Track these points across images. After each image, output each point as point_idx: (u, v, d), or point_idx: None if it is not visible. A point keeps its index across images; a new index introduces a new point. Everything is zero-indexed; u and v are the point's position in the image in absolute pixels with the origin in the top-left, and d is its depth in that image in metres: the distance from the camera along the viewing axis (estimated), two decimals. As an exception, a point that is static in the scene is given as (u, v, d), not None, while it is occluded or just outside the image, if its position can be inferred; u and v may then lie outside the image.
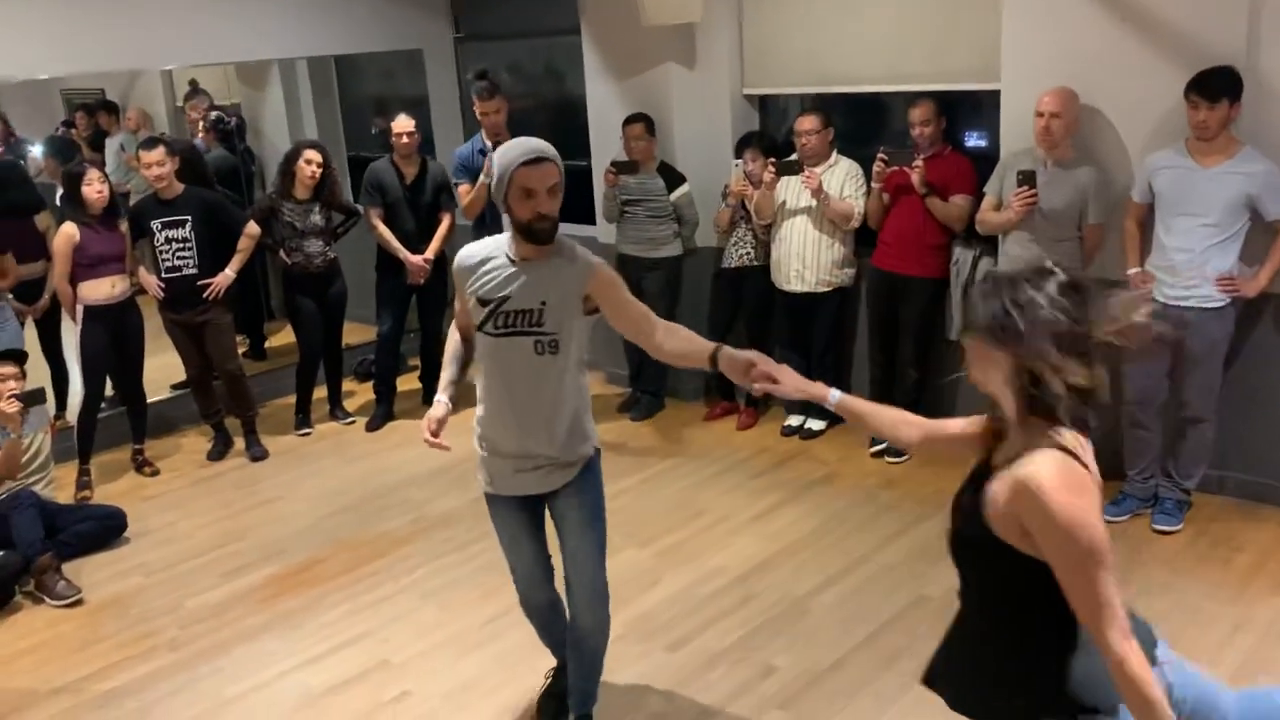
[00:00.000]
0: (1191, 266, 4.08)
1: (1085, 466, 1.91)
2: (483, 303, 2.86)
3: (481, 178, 5.51)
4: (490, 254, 2.89)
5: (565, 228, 2.98)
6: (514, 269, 2.84)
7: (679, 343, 2.90)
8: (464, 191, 5.71)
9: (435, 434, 2.96)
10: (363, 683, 3.65)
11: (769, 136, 5.57)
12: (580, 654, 3.14)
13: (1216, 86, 3.95)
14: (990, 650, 2.08)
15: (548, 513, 3.08)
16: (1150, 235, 4.27)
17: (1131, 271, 4.31)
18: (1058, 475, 1.86)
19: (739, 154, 5.46)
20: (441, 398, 3.02)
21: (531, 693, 3.49)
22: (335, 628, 4.01)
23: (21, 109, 7.06)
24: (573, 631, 3.11)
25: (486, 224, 5.72)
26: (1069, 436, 1.92)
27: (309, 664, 3.78)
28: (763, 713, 3.35)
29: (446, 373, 3.07)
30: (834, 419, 5.59)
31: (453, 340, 3.10)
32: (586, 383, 3.04)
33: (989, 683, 2.07)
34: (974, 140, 5.31)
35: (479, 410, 3.00)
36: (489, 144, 5.56)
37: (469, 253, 2.93)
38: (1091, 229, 4.43)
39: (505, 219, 2.86)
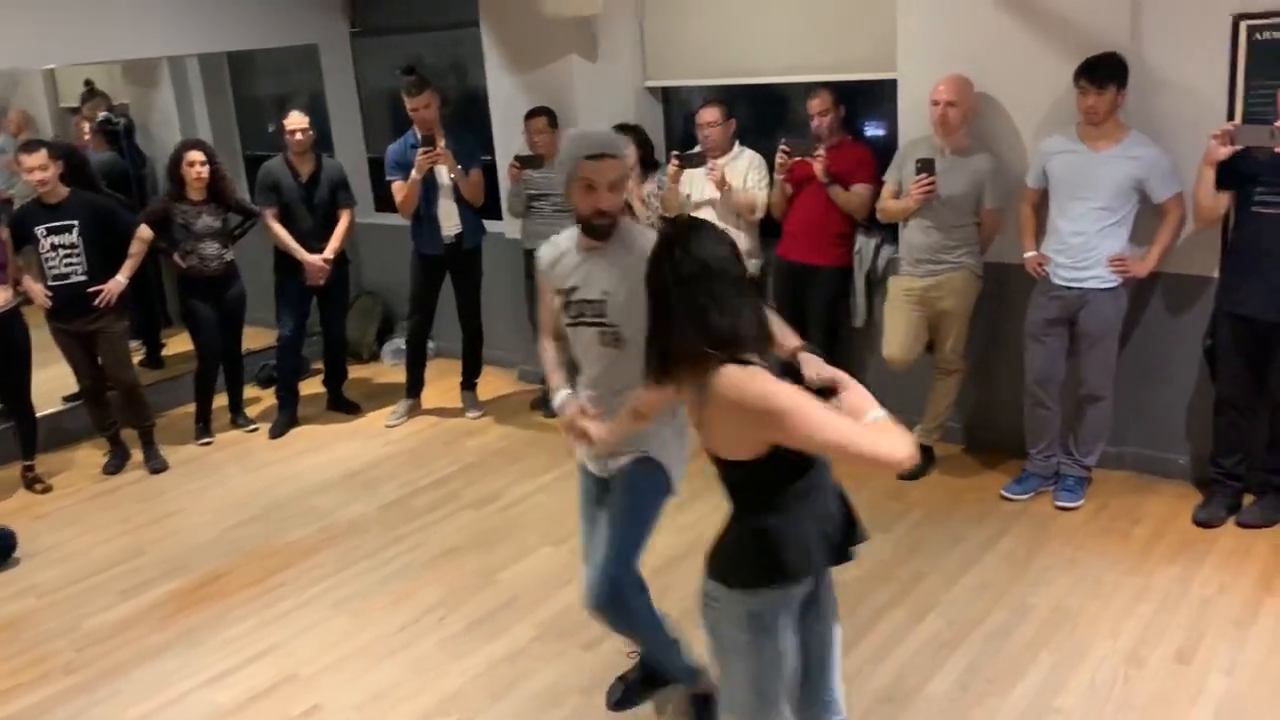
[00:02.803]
0: (1085, 249, 4.19)
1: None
2: (559, 293, 2.94)
3: (414, 174, 5.41)
4: (566, 246, 2.94)
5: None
6: (580, 258, 2.88)
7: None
8: (398, 188, 5.58)
9: (585, 413, 2.94)
10: (271, 697, 3.54)
11: (639, 128, 5.54)
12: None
13: (1104, 72, 4.05)
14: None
15: None
16: (1045, 219, 4.37)
17: (1028, 255, 4.41)
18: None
19: None
20: (563, 390, 3.03)
21: (447, 698, 3.44)
22: (241, 642, 3.89)
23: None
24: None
25: (423, 220, 5.61)
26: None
27: (213, 681, 3.66)
28: (681, 705, 3.34)
29: (555, 380, 3.08)
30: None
31: (548, 350, 3.13)
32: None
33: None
34: (872, 129, 5.38)
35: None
36: (421, 139, 5.45)
37: (549, 248, 2.98)
38: (989, 214, 4.52)
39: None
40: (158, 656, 3.84)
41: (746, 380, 2.11)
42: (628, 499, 3.04)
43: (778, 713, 2.36)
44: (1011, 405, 4.69)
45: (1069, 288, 4.25)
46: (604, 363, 2.93)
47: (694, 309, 2.15)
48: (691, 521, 4.56)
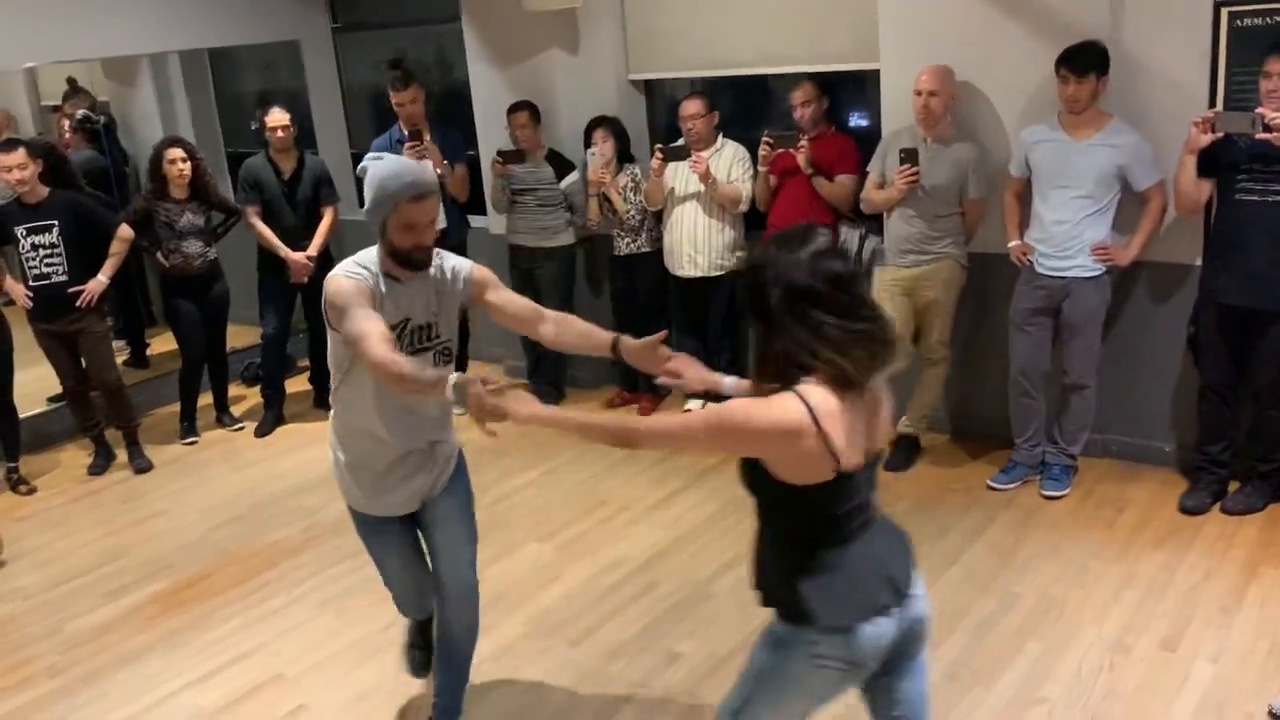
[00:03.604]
0: (1069, 238, 4.18)
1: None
2: (391, 327, 2.69)
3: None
4: (371, 276, 2.72)
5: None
6: (391, 286, 2.75)
7: (574, 336, 2.87)
8: None
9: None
10: (256, 699, 3.52)
11: (617, 120, 5.52)
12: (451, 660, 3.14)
13: (1084, 61, 4.04)
14: (774, 555, 2.24)
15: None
16: (1029, 208, 4.36)
17: (1012, 244, 4.40)
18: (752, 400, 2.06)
19: (588, 141, 5.42)
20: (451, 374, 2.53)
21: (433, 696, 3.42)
22: (226, 643, 3.87)
23: None
24: (443, 637, 3.09)
25: None
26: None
27: (198, 683, 3.64)
28: (669, 700, 3.33)
29: (431, 372, 2.61)
30: (732, 402, 5.64)
31: (398, 365, 2.52)
32: None
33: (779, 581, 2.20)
34: (856, 120, 5.37)
35: (346, 440, 2.92)
36: (406, 134, 5.43)
37: (358, 274, 2.70)
38: (973, 204, 4.51)
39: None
40: (141, 659, 3.82)
41: None
42: (464, 497, 3.06)
43: None
44: (997, 395, 4.69)
45: (1053, 277, 4.24)
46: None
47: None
48: (674, 518, 4.57)
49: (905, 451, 4.84)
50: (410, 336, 2.79)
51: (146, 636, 3.96)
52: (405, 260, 2.71)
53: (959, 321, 4.69)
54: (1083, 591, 3.72)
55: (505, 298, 2.91)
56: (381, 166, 2.69)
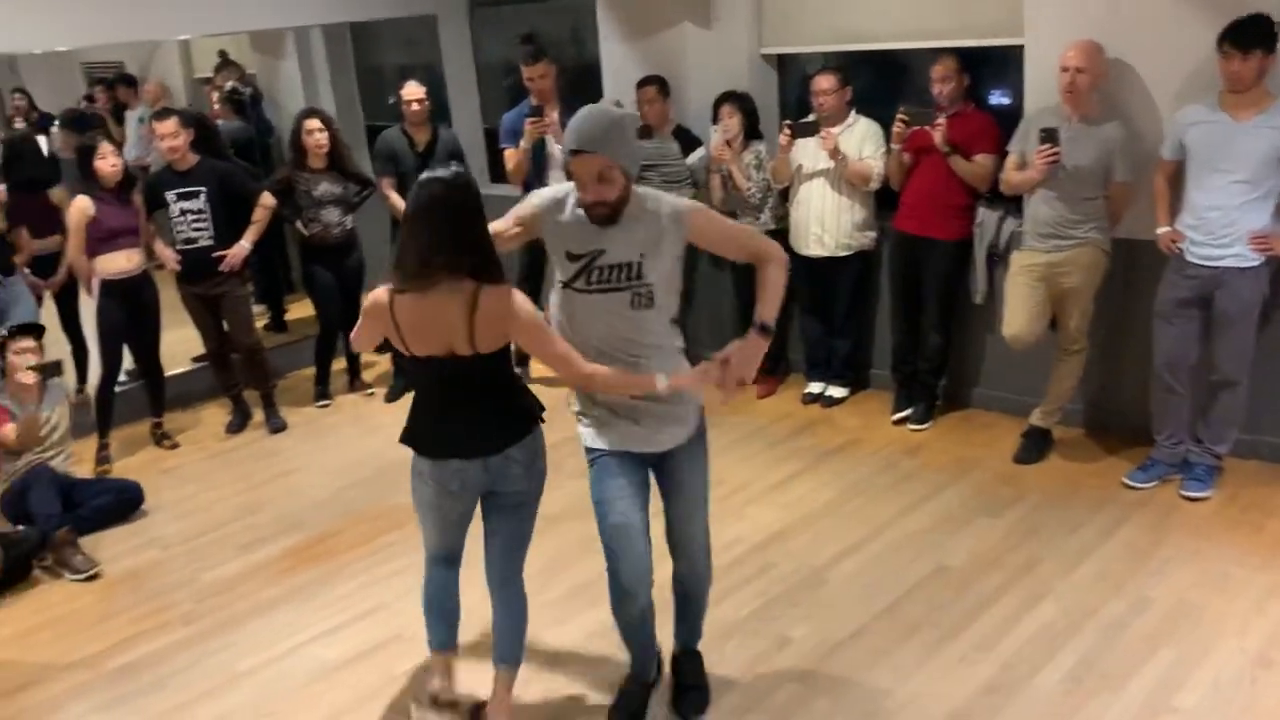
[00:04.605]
0: (1224, 225, 3.94)
1: None
2: (572, 257, 2.76)
3: (523, 143, 5.43)
4: (569, 206, 2.78)
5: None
6: (589, 224, 2.75)
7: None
8: (509, 156, 5.62)
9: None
10: (376, 656, 3.63)
11: (746, 95, 5.42)
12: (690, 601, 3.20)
13: (1250, 36, 3.79)
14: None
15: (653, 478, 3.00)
16: (1181, 193, 4.13)
17: (1161, 230, 4.18)
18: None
19: (715, 116, 5.34)
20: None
21: (542, 663, 3.46)
22: (350, 600, 4.00)
23: (44, 84, 7.04)
24: (684, 584, 3.14)
25: (532, 189, 5.63)
26: None
27: (322, 637, 3.77)
28: (778, 685, 3.30)
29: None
30: (856, 385, 5.53)
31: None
32: (679, 340, 2.96)
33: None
34: (998, 97, 5.17)
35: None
36: (531, 108, 5.48)
37: (550, 196, 2.82)
38: (1118, 187, 4.29)
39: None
40: (271, 610, 3.97)
41: None
42: (701, 475, 3.02)
43: None
44: (1138, 388, 4.47)
45: (1205, 266, 4.01)
46: (627, 326, 2.79)
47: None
48: (793, 500, 4.51)
49: (1036, 444, 4.66)
50: (599, 272, 2.75)
51: (276, 589, 4.11)
52: (587, 211, 2.73)
53: (1100, 310, 4.48)
54: (1223, 600, 3.52)
55: (725, 228, 2.95)
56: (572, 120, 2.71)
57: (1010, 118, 4.72)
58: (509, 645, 3.08)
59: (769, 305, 2.85)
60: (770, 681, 3.31)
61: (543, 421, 2.97)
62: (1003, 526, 4.11)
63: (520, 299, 2.75)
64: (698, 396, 2.95)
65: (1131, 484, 4.31)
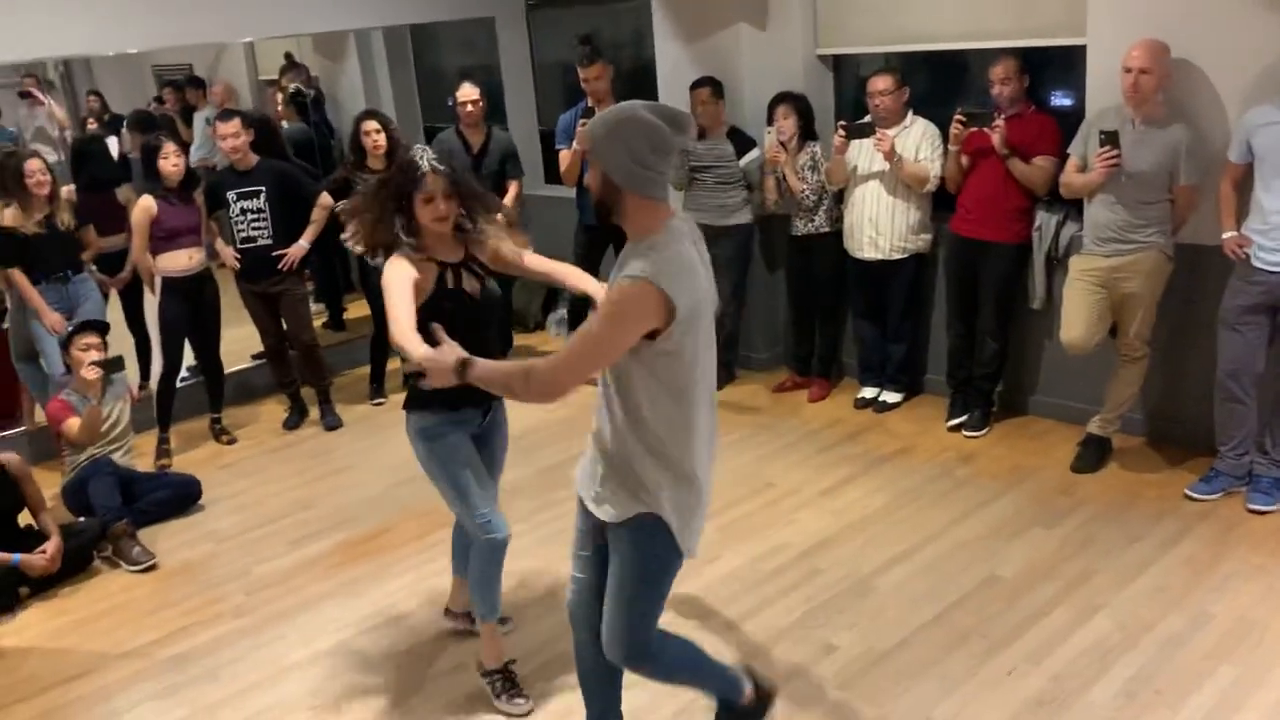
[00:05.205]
0: (1293, 230, 3.82)
1: None
2: None
3: (575, 144, 5.46)
4: None
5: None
6: None
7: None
8: (564, 157, 5.66)
9: None
10: (421, 651, 3.65)
11: (802, 96, 5.37)
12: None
13: (1323, 35, 3.67)
14: None
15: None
16: (1248, 197, 4.01)
17: (1227, 235, 4.06)
18: None
19: (770, 118, 5.30)
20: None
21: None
22: (399, 596, 4.03)
23: (117, 86, 7.23)
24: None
25: (586, 191, 5.66)
26: None
27: (370, 631, 3.80)
28: (822, 693, 3.26)
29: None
30: (910, 391, 5.45)
31: None
32: (658, 432, 2.49)
33: None
34: (1060, 99, 5.06)
35: None
36: (585, 109, 5.51)
37: None
38: (1183, 190, 4.18)
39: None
40: (320, 604, 4.02)
41: None
42: (631, 567, 2.65)
43: None
44: (1201, 397, 4.35)
45: (1273, 272, 3.89)
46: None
47: None
48: (843, 506, 4.45)
49: (1095, 453, 4.56)
50: None
51: (327, 584, 4.17)
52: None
53: (1161, 317, 4.36)
54: (1288, 617, 3.41)
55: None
56: None
57: (1072, 119, 4.61)
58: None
59: (486, 369, 2.52)
60: (814, 689, 3.27)
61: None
62: (1058, 537, 4.02)
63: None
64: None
65: (1193, 496, 4.19)
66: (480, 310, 3.17)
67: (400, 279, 2.98)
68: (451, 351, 2.57)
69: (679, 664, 2.83)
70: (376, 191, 3.08)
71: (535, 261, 3.29)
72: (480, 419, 3.31)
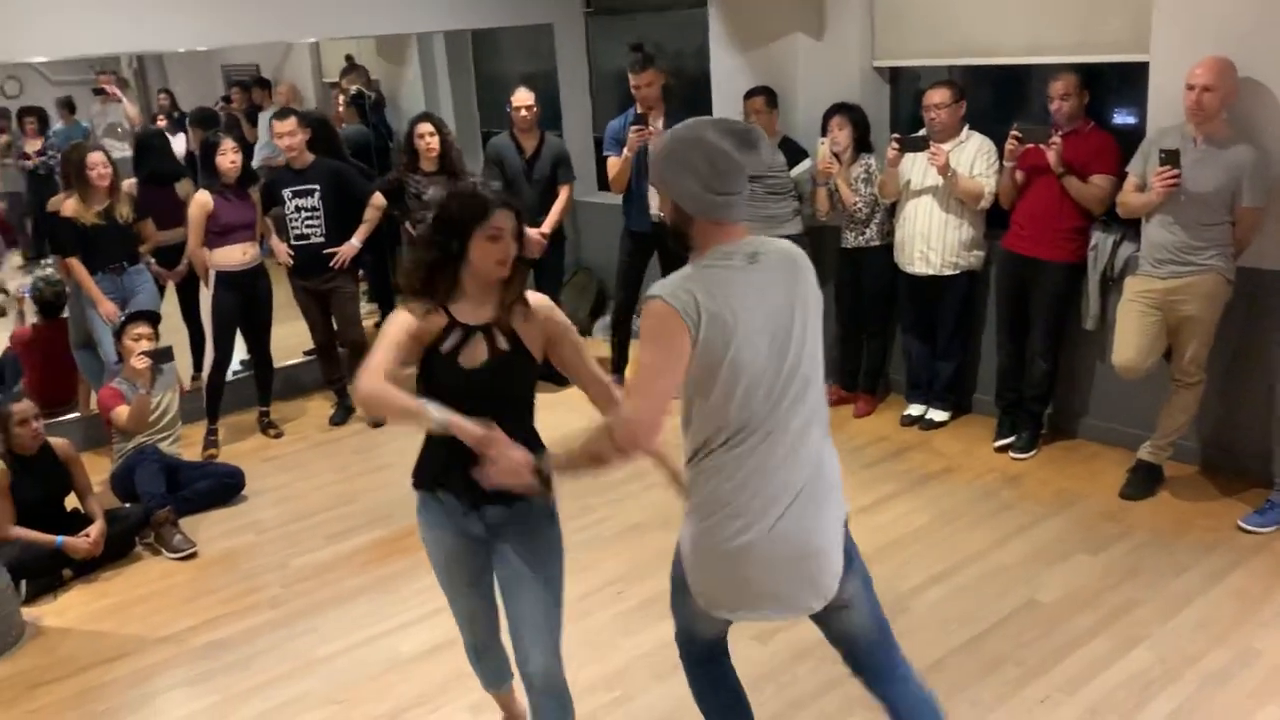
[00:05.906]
0: (1360, 256, 3.69)
1: None
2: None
3: (625, 151, 5.46)
4: None
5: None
6: None
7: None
8: (612, 164, 5.67)
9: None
10: (449, 651, 3.63)
11: (857, 107, 5.31)
12: None
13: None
14: None
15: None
16: (1313, 220, 3.89)
17: (1290, 260, 3.93)
18: None
19: (825, 129, 5.25)
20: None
21: (612, 673, 3.44)
22: (430, 594, 4.00)
23: (187, 84, 7.40)
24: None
25: (633, 197, 5.67)
26: None
27: (400, 629, 3.82)
28: (849, 712, 3.20)
29: None
30: (958, 409, 5.36)
31: None
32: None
33: None
34: (1122, 116, 4.94)
35: None
36: (635, 116, 5.51)
37: None
38: (1246, 212, 4.05)
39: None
40: (353, 600, 4.05)
41: None
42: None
43: None
44: (1258, 426, 4.22)
45: (1337, 299, 3.76)
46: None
47: None
48: (884, 523, 4.38)
49: (1145, 479, 4.43)
50: None
51: (361, 580, 4.20)
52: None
53: (1219, 342, 4.24)
54: (1342, 658, 3.28)
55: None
56: None
57: (1134, 138, 4.50)
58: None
59: (566, 456, 2.39)
60: (842, 708, 3.22)
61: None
62: (1102, 564, 3.92)
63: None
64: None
65: (1247, 528, 4.06)
66: (473, 386, 2.55)
67: (396, 325, 2.54)
68: (509, 446, 2.31)
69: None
70: (433, 231, 2.52)
71: (590, 372, 2.74)
72: (478, 519, 2.62)
